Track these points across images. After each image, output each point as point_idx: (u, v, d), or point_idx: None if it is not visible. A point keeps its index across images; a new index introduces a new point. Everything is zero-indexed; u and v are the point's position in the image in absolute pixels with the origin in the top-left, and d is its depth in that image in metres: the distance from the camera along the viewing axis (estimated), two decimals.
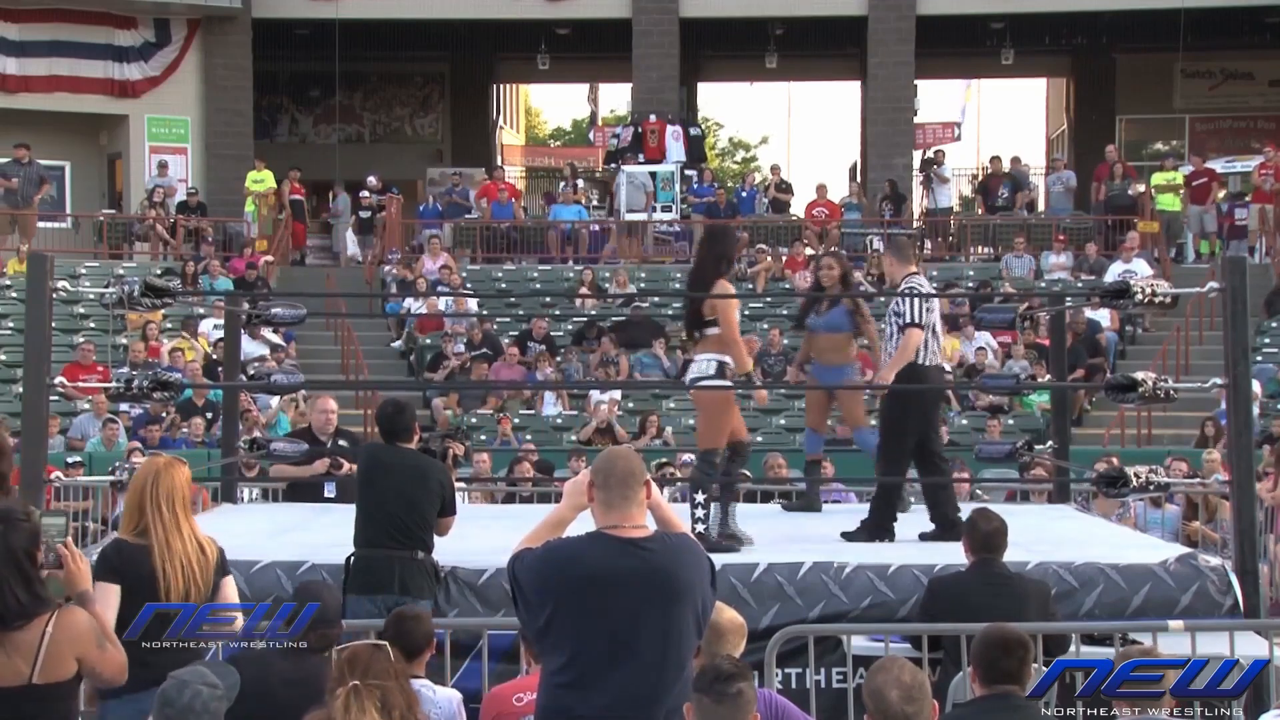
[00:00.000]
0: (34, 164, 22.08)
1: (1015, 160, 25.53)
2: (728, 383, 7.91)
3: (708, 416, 8.06)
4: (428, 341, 19.68)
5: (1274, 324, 19.74)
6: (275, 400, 16.47)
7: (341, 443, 10.17)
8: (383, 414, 7.26)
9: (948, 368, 18.21)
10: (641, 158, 24.28)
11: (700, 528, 7.68)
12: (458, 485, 12.64)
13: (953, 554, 6.87)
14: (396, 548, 6.85)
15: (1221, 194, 23.17)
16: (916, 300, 8.30)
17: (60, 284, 7.89)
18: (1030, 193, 24.43)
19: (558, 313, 20.11)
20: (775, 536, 8.41)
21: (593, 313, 20.74)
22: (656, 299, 20.33)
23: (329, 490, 10.16)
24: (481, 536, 8.50)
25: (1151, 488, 7.90)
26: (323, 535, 8.25)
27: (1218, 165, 23.38)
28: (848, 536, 8.26)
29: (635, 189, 23.63)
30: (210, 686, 4.15)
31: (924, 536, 8.24)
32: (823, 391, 9.68)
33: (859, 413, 9.78)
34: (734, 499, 8.28)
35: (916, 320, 8.34)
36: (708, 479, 7.89)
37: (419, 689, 5.02)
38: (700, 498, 7.82)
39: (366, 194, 23.69)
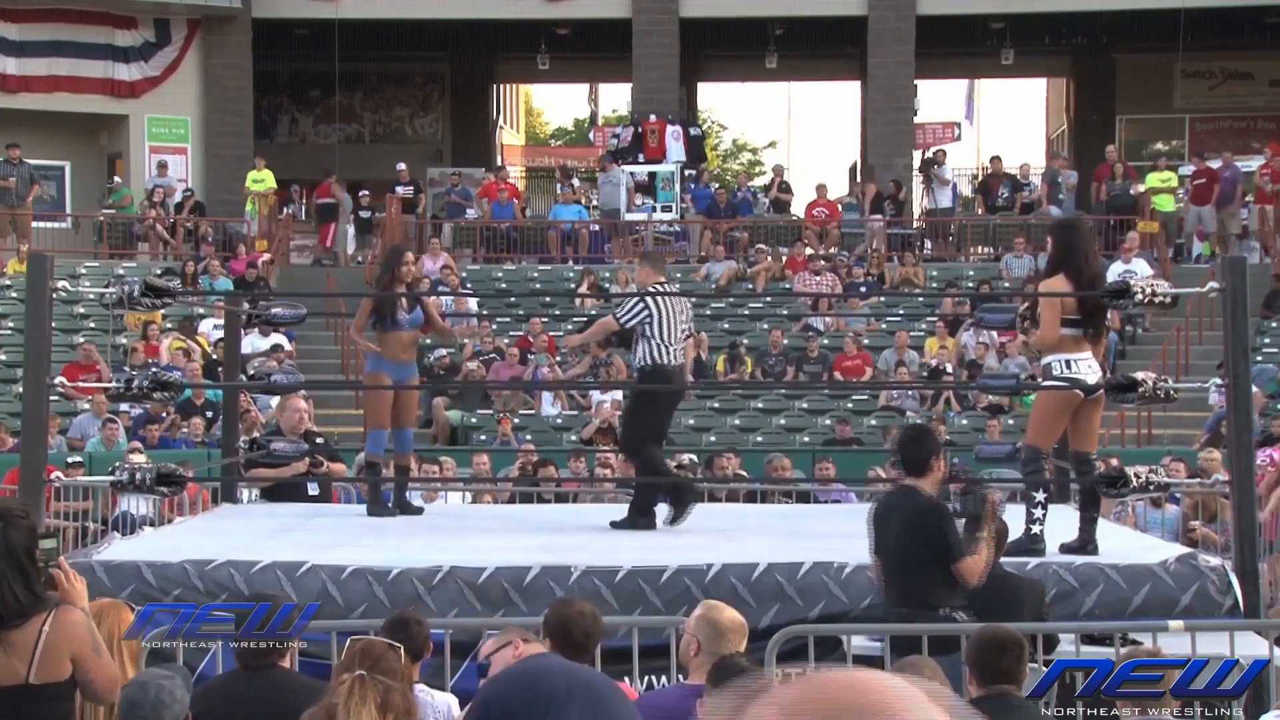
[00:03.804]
0: (24, 164, 22.10)
1: (1057, 158, 25.59)
2: (1070, 384, 7.62)
3: (1040, 415, 7.91)
4: (428, 341, 19.66)
5: (1274, 324, 19.74)
6: (275, 400, 16.47)
7: (319, 440, 10.19)
8: (900, 440, 6.76)
9: (949, 368, 18.31)
10: (641, 158, 24.29)
11: (1036, 529, 7.53)
12: (462, 485, 12.69)
13: None
14: (907, 607, 6.22)
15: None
16: (639, 305, 8.92)
17: (60, 284, 7.90)
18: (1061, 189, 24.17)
19: (558, 313, 20.12)
20: (775, 536, 8.42)
21: (593, 312, 20.74)
22: None
23: (312, 489, 10.17)
24: (481, 536, 8.52)
25: (1151, 488, 7.90)
26: (323, 536, 8.26)
27: (1216, 164, 23.35)
28: (615, 525, 8.72)
29: (613, 187, 23.60)
30: (167, 678, 4.18)
31: (615, 524, 8.71)
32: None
33: (411, 415, 9.87)
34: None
35: (617, 315, 9.07)
36: (1036, 476, 7.73)
37: (417, 693, 5.01)
38: (1040, 497, 7.63)
39: (365, 194, 23.68)
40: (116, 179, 24.08)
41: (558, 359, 18.64)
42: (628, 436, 9.30)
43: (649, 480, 9.01)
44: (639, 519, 8.77)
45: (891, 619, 6.17)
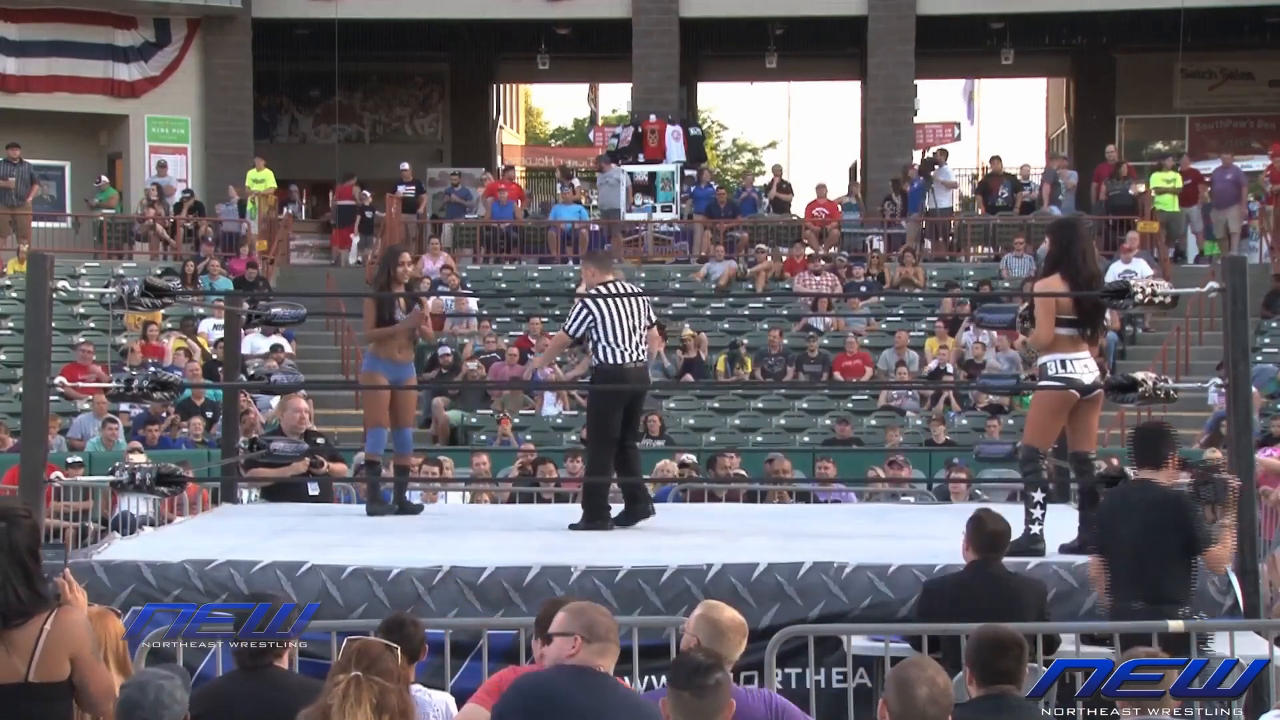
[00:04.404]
0: (25, 164, 22.11)
1: (1057, 158, 25.52)
2: (1069, 384, 7.55)
3: (1037, 414, 7.84)
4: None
5: (1274, 324, 19.75)
6: (275, 400, 16.47)
7: (319, 440, 10.19)
8: (1137, 435, 6.71)
9: (949, 368, 18.31)
10: (641, 157, 24.29)
11: (1036, 529, 7.46)
12: (460, 485, 12.70)
13: (953, 554, 6.86)
14: (1145, 603, 6.16)
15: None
16: (582, 311, 8.77)
17: (60, 284, 7.90)
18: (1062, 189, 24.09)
19: (558, 313, 20.12)
20: (775, 536, 8.42)
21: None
22: (656, 299, 20.31)
23: (312, 489, 10.16)
24: (481, 536, 8.52)
25: None
26: (323, 536, 8.26)
27: (1204, 166, 23.36)
28: (573, 527, 8.63)
29: (612, 187, 23.59)
30: (166, 678, 4.17)
31: (574, 527, 8.63)
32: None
33: (410, 415, 9.84)
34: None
35: (565, 327, 8.95)
36: (1035, 476, 7.67)
37: (413, 693, 5.01)
38: (1039, 497, 7.56)
39: (365, 195, 23.67)
40: (104, 178, 24.09)
41: (557, 359, 18.63)
42: (587, 437, 9.33)
43: (622, 482, 8.97)
44: (593, 521, 8.68)
45: (1124, 615, 6.11)
